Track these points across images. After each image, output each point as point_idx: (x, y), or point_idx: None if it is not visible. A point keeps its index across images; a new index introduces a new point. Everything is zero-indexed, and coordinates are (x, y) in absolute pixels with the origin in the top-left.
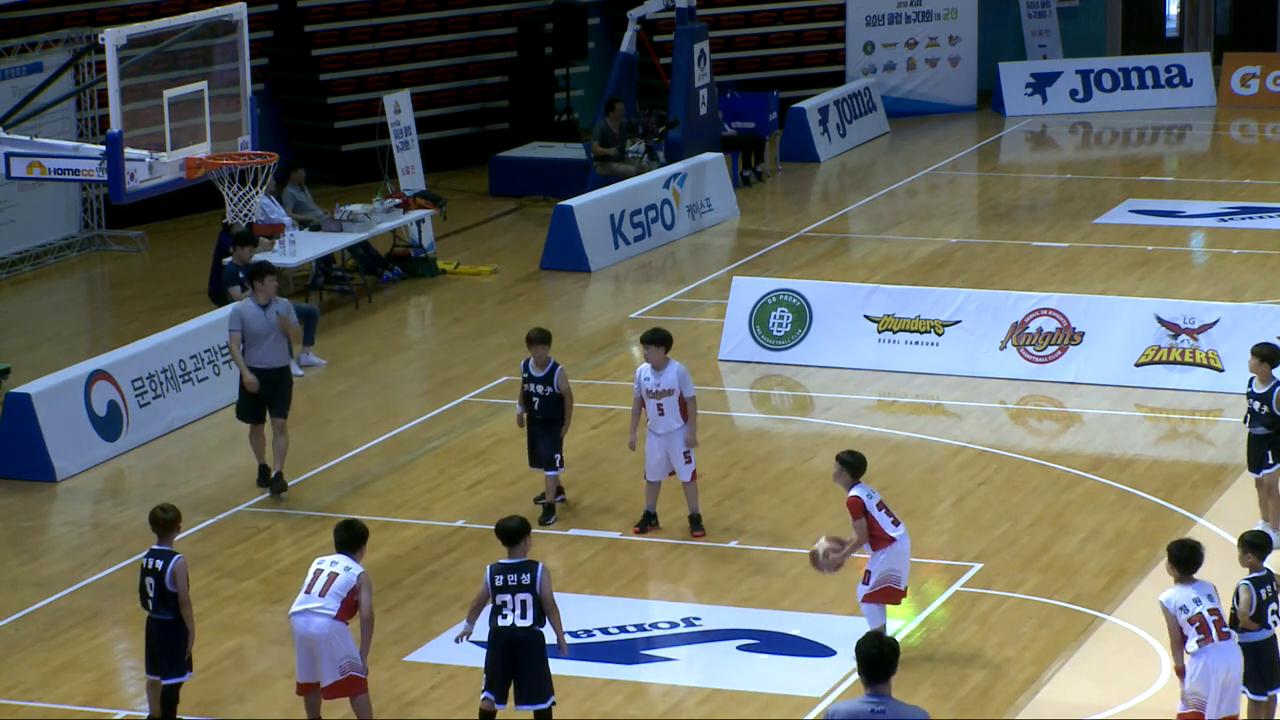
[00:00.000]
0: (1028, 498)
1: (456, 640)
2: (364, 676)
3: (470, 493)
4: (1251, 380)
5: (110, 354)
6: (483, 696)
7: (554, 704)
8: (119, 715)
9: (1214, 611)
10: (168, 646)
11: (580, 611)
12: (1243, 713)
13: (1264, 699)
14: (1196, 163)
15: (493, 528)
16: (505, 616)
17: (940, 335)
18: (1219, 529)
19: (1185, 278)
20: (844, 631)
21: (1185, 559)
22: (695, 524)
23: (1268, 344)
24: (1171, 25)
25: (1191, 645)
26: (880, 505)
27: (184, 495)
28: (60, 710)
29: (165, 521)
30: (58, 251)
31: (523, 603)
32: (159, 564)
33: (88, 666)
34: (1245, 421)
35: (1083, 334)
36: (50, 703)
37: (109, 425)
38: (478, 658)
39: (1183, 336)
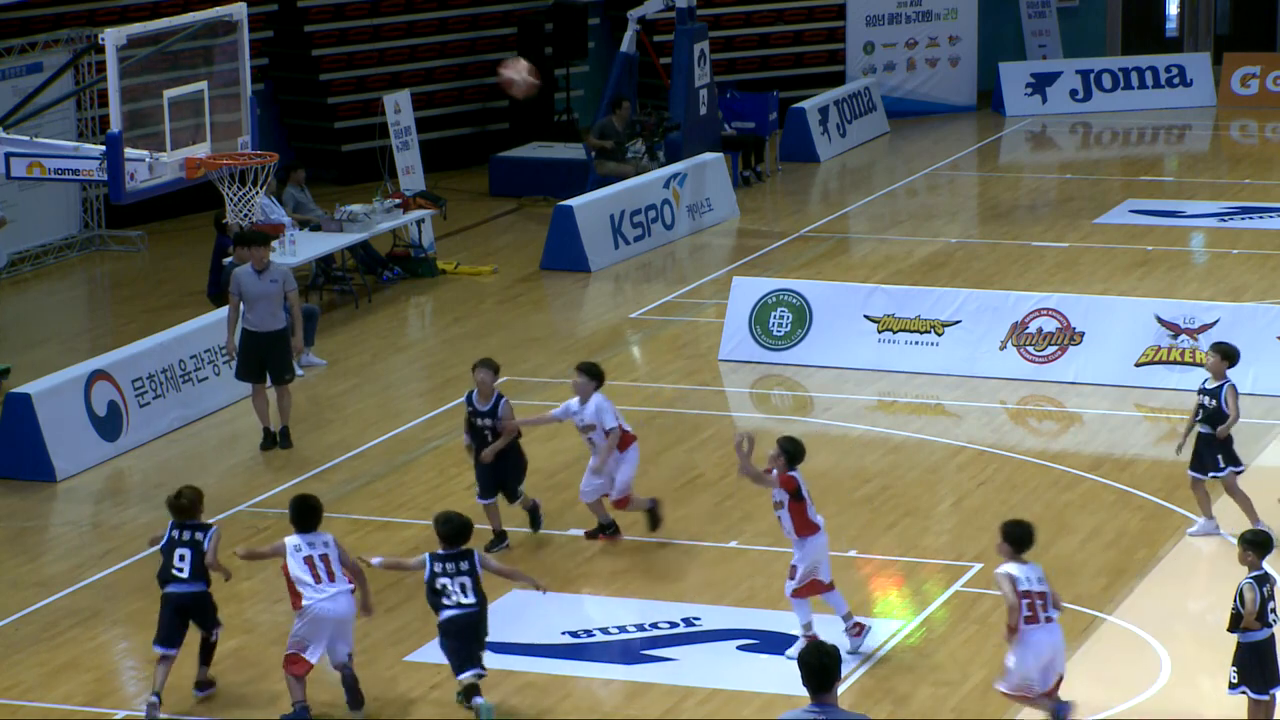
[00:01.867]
0: (1028, 498)
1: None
2: None
3: (470, 493)
4: (1207, 379)
5: (110, 354)
6: (469, 675)
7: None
8: (119, 715)
9: (1041, 595)
10: (202, 611)
11: (580, 611)
12: (1243, 712)
13: (1265, 698)
14: (1196, 163)
15: (487, 524)
16: (449, 597)
17: (940, 335)
18: (1223, 531)
19: (1185, 278)
20: (844, 631)
21: (1018, 537)
22: (603, 530)
23: (1227, 343)
24: (1171, 25)
25: (1019, 625)
26: (809, 496)
27: None
28: (60, 710)
29: (180, 507)
30: (58, 251)
31: (463, 585)
32: (198, 535)
33: (88, 666)
34: (1195, 417)
35: (1083, 334)
36: (50, 703)
37: (109, 425)
38: None
39: (1183, 336)
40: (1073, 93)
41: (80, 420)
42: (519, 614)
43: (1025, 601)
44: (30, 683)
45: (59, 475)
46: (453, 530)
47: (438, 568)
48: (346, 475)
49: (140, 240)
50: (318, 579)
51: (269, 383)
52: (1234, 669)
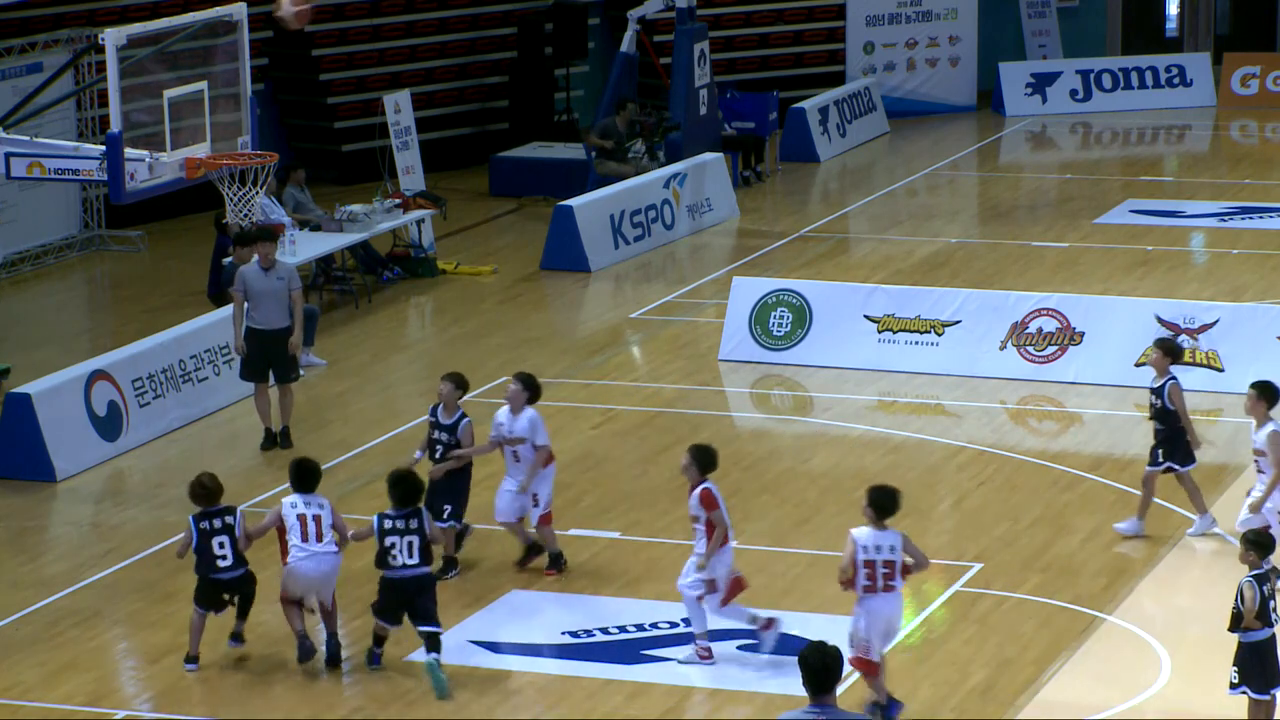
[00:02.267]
0: (1028, 498)
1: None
2: None
3: (470, 493)
4: (1154, 376)
5: (110, 354)
6: (378, 624)
7: (441, 630)
8: (119, 715)
9: (889, 564)
10: (247, 590)
11: (580, 611)
12: (1244, 712)
13: (1266, 698)
14: (1196, 163)
15: (495, 527)
16: (395, 558)
17: (940, 335)
18: (1219, 528)
19: (1185, 278)
20: (844, 631)
21: (882, 504)
22: (553, 562)
23: (1169, 339)
24: (1171, 25)
25: (859, 590)
26: (725, 510)
27: (184, 495)
28: (60, 710)
29: (208, 493)
30: (58, 251)
31: (410, 544)
32: (228, 519)
33: (88, 666)
34: (1150, 414)
35: (1083, 334)
36: (50, 703)
37: (109, 425)
38: (479, 659)
39: (1183, 336)
40: (1073, 93)
41: (80, 420)
42: (519, 614)
43: (866, 571)
44: (30, 683)
45: (59, 475)
46: (405, 490)
47: (386, 525)
48: (347, 475)
49: (140, 240)
50: (305, 537)
51: (272, 382)
52: (1235, 669)
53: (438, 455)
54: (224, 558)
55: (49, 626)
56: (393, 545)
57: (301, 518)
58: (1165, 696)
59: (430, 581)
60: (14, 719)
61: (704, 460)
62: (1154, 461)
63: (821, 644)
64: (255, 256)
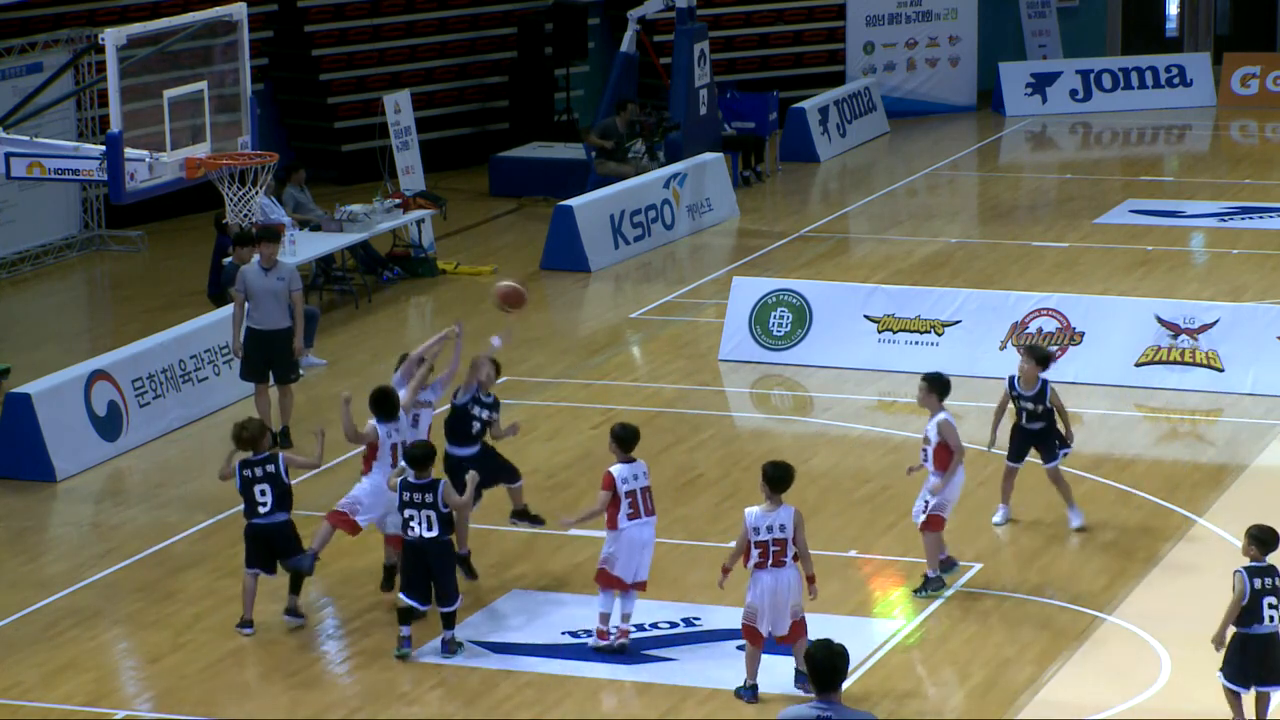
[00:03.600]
0: (1028, 498)
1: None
2: None
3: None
4: (1013, 379)
5: (110, 354)
6: (404, 600)
7: (459, 605)
8: (119, 715)
9: (780, 541)
10: (285, 540)
11: (581, 611)
12: (1246, 712)
13: (1236, 690)
14: (1196, 163)
15: (494, 526)
16: (413, 530)
17: (940, 335)
18: (1219, 529)
19: (1185, 278)
20: (845, 631)
21: (775, 479)
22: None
23: (1042, 348)
24: (1171, 25)
25: (750, 565)
26: (630, 494)
27: (184, 495)
28: (60, 710)
29: (250, 438)
30: (58, 251)
31: (428, 518)
32: (270, 467)
33: (88, 666)
34: (1021, 420)
35: (1083, 334)
36: (50, 703)
37: (109, 425)
38: (478, 659)
39: (1183, 336)
40: (1073, 93)
41: (80, 420)
42: (519, 614)
43: (759, 550)
44: (30, 683)
45: (59, 475)
46: (421, 453)
47: (405, 496)
48: (348, 475)
49: (140, 240)
50: (395, 462)
51: (272, 382)
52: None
53: (475, 430)
54: (264, 504)
55: (49, 626)
56: (411, 517)
57: (394, 446)
58: (1165, 696)
59: (447, 550)
60: (14, 719)
61: (624, 440)
62: (1053, 457)
63: (829, 641)
64: (256, 256)
